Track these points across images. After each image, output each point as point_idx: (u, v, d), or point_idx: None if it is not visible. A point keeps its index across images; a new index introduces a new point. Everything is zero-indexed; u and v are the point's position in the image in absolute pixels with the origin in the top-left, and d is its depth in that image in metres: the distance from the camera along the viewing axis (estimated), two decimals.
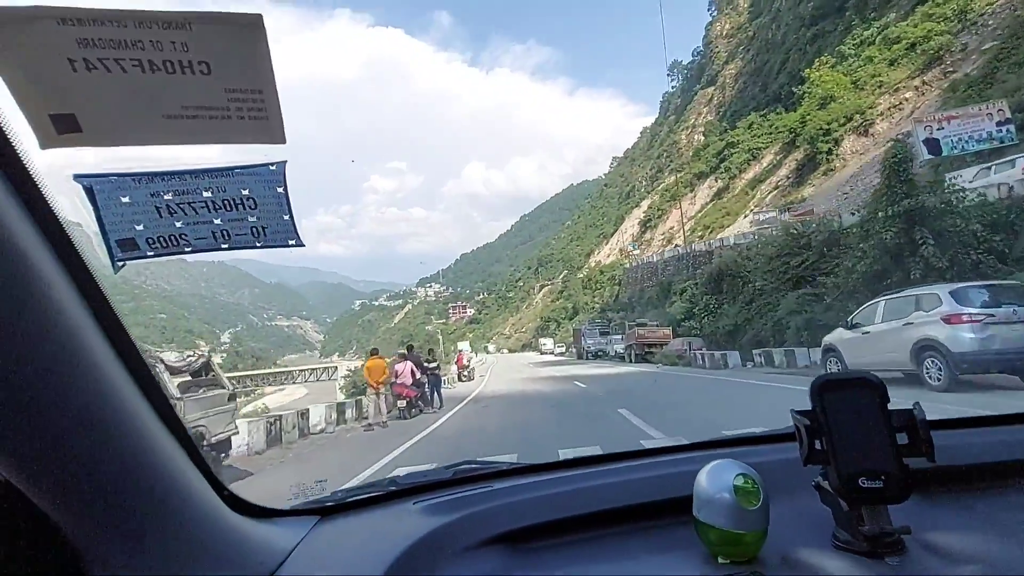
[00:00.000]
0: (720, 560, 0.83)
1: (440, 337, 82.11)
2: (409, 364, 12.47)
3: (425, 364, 13.82)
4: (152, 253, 1.01)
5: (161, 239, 1.00)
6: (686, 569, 0.85)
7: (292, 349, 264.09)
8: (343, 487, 1.36)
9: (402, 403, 12.20)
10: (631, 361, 27.83)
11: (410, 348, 14.38)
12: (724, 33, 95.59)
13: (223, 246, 1.12)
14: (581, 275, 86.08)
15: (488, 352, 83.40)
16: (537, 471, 1.32)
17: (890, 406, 0.78)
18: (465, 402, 14.43)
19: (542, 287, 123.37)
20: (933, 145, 21.13)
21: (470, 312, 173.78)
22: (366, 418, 12.10)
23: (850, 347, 9.70)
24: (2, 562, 0.55)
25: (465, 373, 24.98)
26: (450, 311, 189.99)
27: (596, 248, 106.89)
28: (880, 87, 38.03)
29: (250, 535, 0.85)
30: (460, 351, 37.05)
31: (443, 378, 21.92)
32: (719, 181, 63.04)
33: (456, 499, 1.13)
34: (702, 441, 1.42)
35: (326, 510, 1.15)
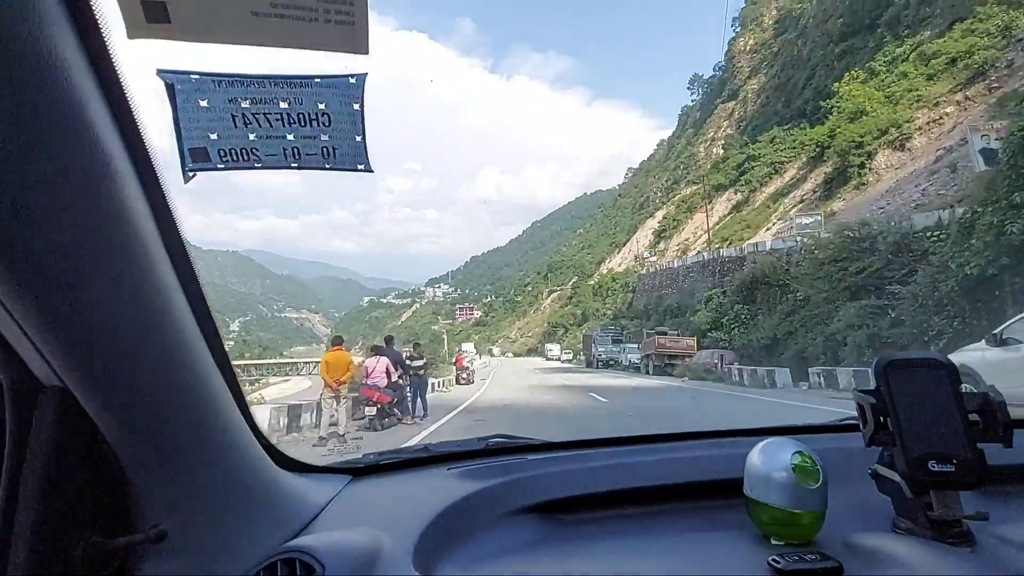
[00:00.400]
0: (773, 541, 0.80)
1: (445, 337, 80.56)
2: (384, 361, 9.55)
3: (408, 362, 10.80)
4: (223, 166, 0.87)
5: (233, 152, 0.85)
6: (736, 548, 0.81)
7: (300, 341, 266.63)
8: (377, 450, 1.32)
9: (371, 410, 9.26)
10: (648, 373, 25.21)
11: (388, 340, 11.01)
12: (747, 48, 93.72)
13: (292, 165, 1.09)
14: (592, 282, 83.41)
15: (492, 355, 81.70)
16: (572, 447, 1.27)
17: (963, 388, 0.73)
18: (456, 412, 11.90)
19: (550, 293, 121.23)
20: (990, 155, 19.34)
21: (477, 314, 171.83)
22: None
23: (999, 371, 6.75)
24: (52, 467, 0.56)
25: (464, 376, 22.46)
26: (457, 312, 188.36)
27: (608, 256, 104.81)
28: (918, 101, 36.07)
29: (286, 487, 0.86)
30: (462, 352, 35.44)
31: (436, 381, 18.77)
32: (739, 194, 61.04)
33: (491, 467, 1.10)
34: (748, 428, 1.30)
35: (359, 470, 1.15)
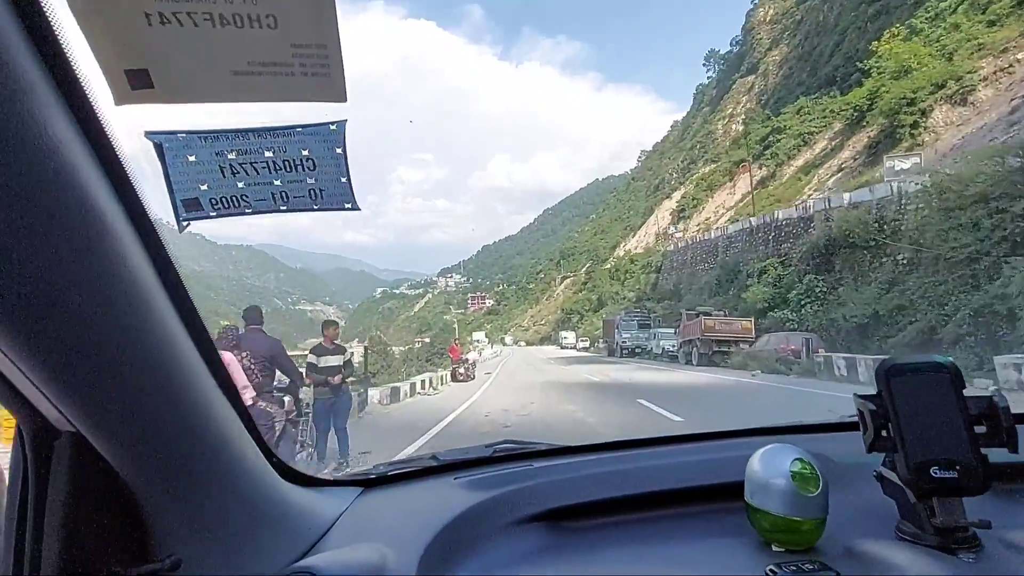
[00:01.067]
0: (775, 548, 0.79)
1: (456, 327, 77.19)
2: (240, 357, 4.18)
3: (316, 360, 5.79)
4: (215, 213, 0.98)
5: (224, 200, 0.97)
6: (738, 555, 0.81)
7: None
8: (385, 461, 1.34)
9: None
10: (692, 363, 20.64)
11: (251, 315, 4.98)
12: (767, 19, 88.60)
13: (282, 208, 1.15)
14: (607, 266, 79.25)
15: (505, 344, 78.36)
16: (580, 452, 1.28)
17: (966, 392, 0.71)
18: (422, 440, 7.49)
19: (564, 279, 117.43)
20: None
21: (489, 303, 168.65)
22: None
23: None
24: (72, 507, 0.57)
25: (462, 371, 18.51)
26: (469, 301, 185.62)
27: (622, 240, 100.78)
28: (979, 50, 31.54)
29: (297, 502, 0.86)
30: (455, 342, 31.63)
31: (423, 379, 15.17)
32: (763, 168, 56.69)
33: (498, 476, 1.12)
34: (752, 428, 1.32)
35: (369, 482, 1.16)
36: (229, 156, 1.10)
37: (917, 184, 17.56)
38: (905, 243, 15.68)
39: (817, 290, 19.77)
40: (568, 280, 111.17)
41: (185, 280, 0.58)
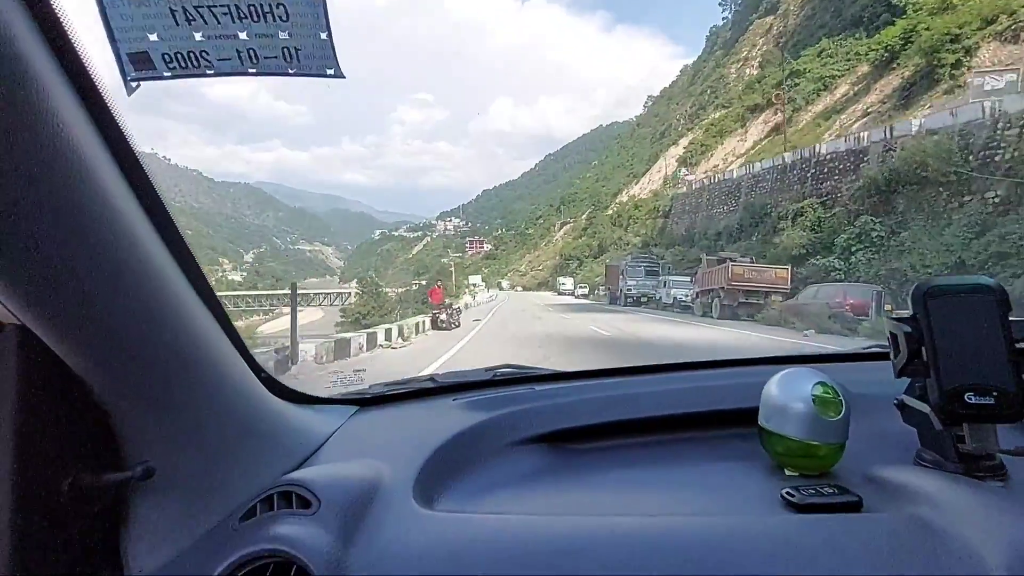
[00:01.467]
0: (788, 472, 0.78)
1: (452, 270, 75.63)
2: None
3: None
4: (169, 74, 0.85)
5: (179, 56, 0.83)
6: (749, 478, 0.80)
7: (313, 273, 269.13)
8: (381, 381, 1.31)
9: None
10: (709, 315, 18.02)
11: None
12: None
13: (250, 70, 0.90)
14: (609, 212, 76.65)
15: (501, 288, 76.92)
16: (585, 376, 1.25)
17: (1012, 316, 0.68)
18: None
19: (563, 224, 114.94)
20: None
21: (487, 247, 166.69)
22: None
23: None
24: (21, 410, 0.54)
25: (444, 317, 16.05)
26: (467, 245, 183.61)
27: (625, 187, 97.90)
28: None
29: (288, 418, 0.85)
30: (438, 284, 29.79)
31: (392, 328, 13.29)
32: (778, 114, 53.68)
33: (497, 397, 1.09)
34: (768, 356, 1.28)
35: (365, 401, 1.14)
36: None
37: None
38: (1001, 176, 13.00)
39: (873, 234, 17.07)
40: (568, 226, 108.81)
41: (154, 181, 0.54)
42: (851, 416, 0.76)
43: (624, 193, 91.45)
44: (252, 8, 0.86)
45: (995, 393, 0.64)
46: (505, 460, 0.88)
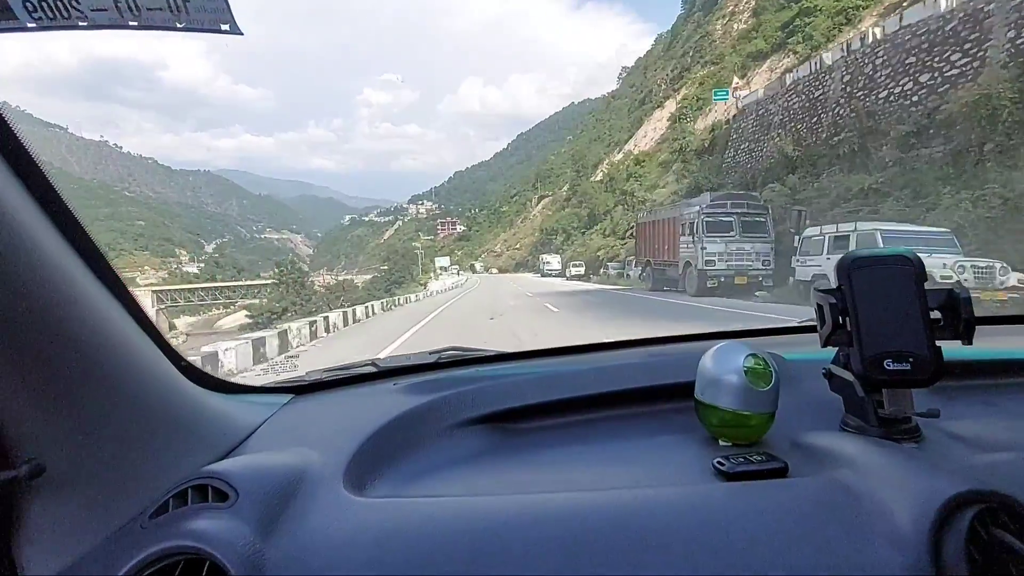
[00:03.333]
0: (721, 442, 0.80)
1: (419, 253, 66.12)
2: None
3: None
4: (34, 24, 0.74)
5: (44, 4, 0.72)
6: (684, 450, 0.81)
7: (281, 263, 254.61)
8: (320, 367, 1.23)
9: None
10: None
11: None
12: None
13: (131, 23, 0.80)
14: (598, 177, 67.64)
15: (475, 271, 67.74)
16: (530, 357, 1.24)
17: (928, 285, 0.70)
18: None
19: (541, 198, 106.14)
20: None
21: (459, 229, 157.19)
22: None
23: None
24: None
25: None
26: (438, 228, 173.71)
27: (606, 157, 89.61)
28: None
29: (212, 408, 0.80)
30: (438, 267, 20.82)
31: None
32: (790, 56, 45.32)
33: (439, 379, 1.05)
34: (703, 332, 1.30)
35: (300, 388, 1.08)
36: None
37: None
38: None
39: None
40: (546, 200, 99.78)
41: (43, 166, 0.53)
42: (784, 387, 0.78)
43: (605, 163, 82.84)
44: None
45: (911, 359, 0.67)
46: (446, 443, 0.85)
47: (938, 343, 0.68)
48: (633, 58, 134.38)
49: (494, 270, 70.40)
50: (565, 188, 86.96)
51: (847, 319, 0.70)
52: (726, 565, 0.51)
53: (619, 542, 0.54)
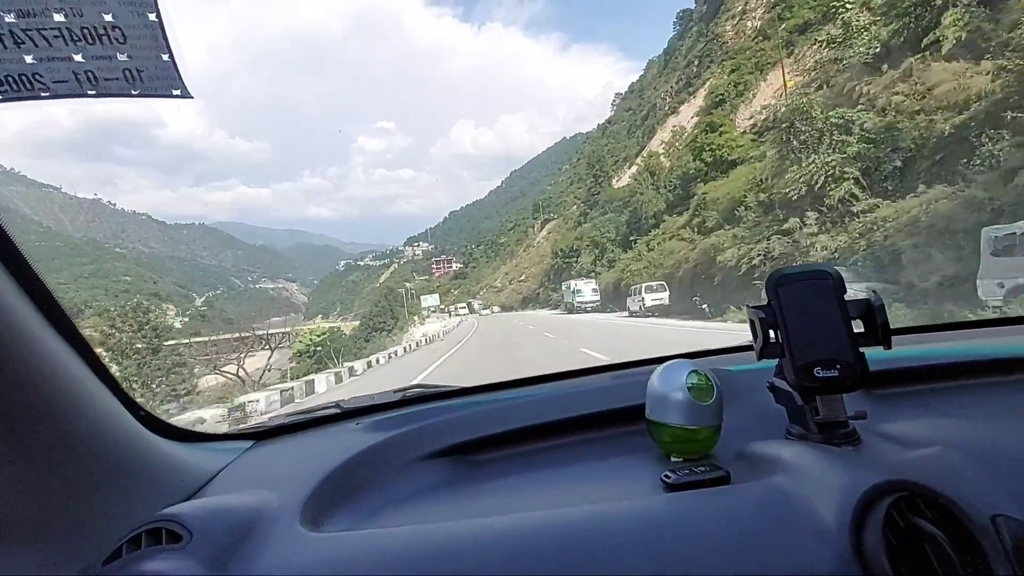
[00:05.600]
0: (673, 458, 0.81)
1: (406, 292, 53.90)
2: None
3: None
4: (0, 97, 0.85)
5: (10, 79, 0.81)
6: (637, 468, 0.82)
7: (277, 312, 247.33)
8: (282, 411, 1.21)
9: None
10: None
11: None
12: None
13: (90, 92, 0.89)
14: (623, 182, 54.93)
15: (472, 310, 55.19)
16: (491, 390, 1.26)
17: (847, 296, 0.74)
18: None
19: (545, 222, 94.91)
20: None
21: (456, 266, 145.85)
22: None
23: None
24: None
25: None
26: (433, 267, 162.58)
27: (613, 175, 79.05)
28: None
29: (171, 456, 0.79)
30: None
31: None
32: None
33: (402, 416, 1.05)
34: (656, 357, 1.26)
35: (261, 434, 1.07)
36: (7, 19, 0.82)
37: None
38: None
39: None
40: (552, 223, 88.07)
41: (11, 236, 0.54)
42: (733, 401, 0.82)
43: (614, 180, 71.68)
44: (85, 31, 0.83)
45: (839, 366, 0.69)
46: (406, 477, 0.84)
47: (862, 349, 0.71)
48: (621, 90, 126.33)
49: (496, 308, 57.21)
50: (580, 201, 74.39)
51: (778, 332, 0.73)
52: (670, 568, 0.52)
53: (567, 556, 0.55)
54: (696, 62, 74.32)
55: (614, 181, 62.20)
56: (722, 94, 46.21)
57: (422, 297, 52.82)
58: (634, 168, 54.89)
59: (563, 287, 37.21)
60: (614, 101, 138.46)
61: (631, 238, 35.51)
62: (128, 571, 0.58)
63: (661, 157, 43.67)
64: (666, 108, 76.72)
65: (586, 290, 32.23)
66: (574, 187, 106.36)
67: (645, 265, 27.74)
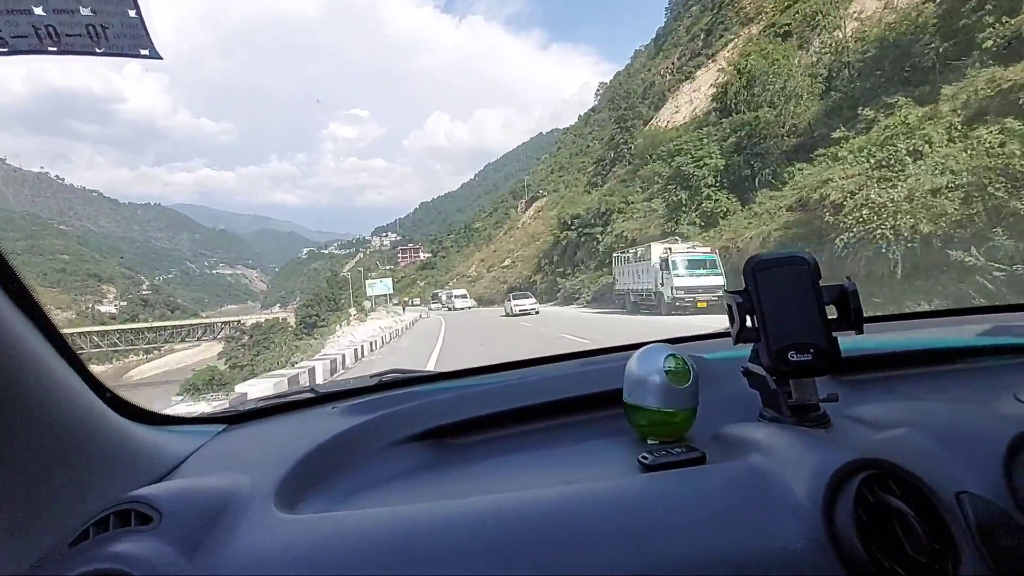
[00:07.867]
0: (649, 441, 0.81)
1: (349, 276, 40.15)
2: None
3: None
4: None
5: None
6: (615, 451, 0.81)
7: (233, 299, 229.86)
8: (256, 396, 1.19)
9: None
10: None
11: None
12: None
13: (51, 48, 0.82)
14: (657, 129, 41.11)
15: (436, 303, 41.09)
16: (468, 375, 1.25)
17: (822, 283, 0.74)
18: None
19: (532, 200, 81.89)
20: None
21: (423, 256, 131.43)
22: None
23: None
24: None
25: None
26: (399, 256, 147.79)
27: (652, 117, 67.59)
28: None
29: (139, 439, 0.77)
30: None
31: None
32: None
33: (378, 400, 1.03)
34: (635, 343, 1.24)
35: (234, 418, 1.05)
36: None
37: None
38: None
39: None
40: (542, 200, 74.87)
41: None
42: (708, 385, 0.82)
43: (655, 120, 59.57)
44: None
45: (812, 350, 0.70)
46: (382, 461, 0.83)
47: (835, 334, 0.71)
48: (592, 98, 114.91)
49: (471, 302, 42.96)
50: (587, 172, 60.38)
51: (754, 317, 0.73)
52: (646, 545, 0.53)
53: (543, 535, 0.54)
54: (703, 36, 63.58)
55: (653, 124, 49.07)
56: (787, 24, 33.94)
57: (368, 283, 39.16)
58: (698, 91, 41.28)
59: (621, 261, 24.46)
60: (598, 90, 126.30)
61: (751, 171, 22.39)
62: (95, 553, 0.56)
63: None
64: (665, 85, 65.48)
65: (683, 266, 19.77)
66: (555, 176, 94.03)
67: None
